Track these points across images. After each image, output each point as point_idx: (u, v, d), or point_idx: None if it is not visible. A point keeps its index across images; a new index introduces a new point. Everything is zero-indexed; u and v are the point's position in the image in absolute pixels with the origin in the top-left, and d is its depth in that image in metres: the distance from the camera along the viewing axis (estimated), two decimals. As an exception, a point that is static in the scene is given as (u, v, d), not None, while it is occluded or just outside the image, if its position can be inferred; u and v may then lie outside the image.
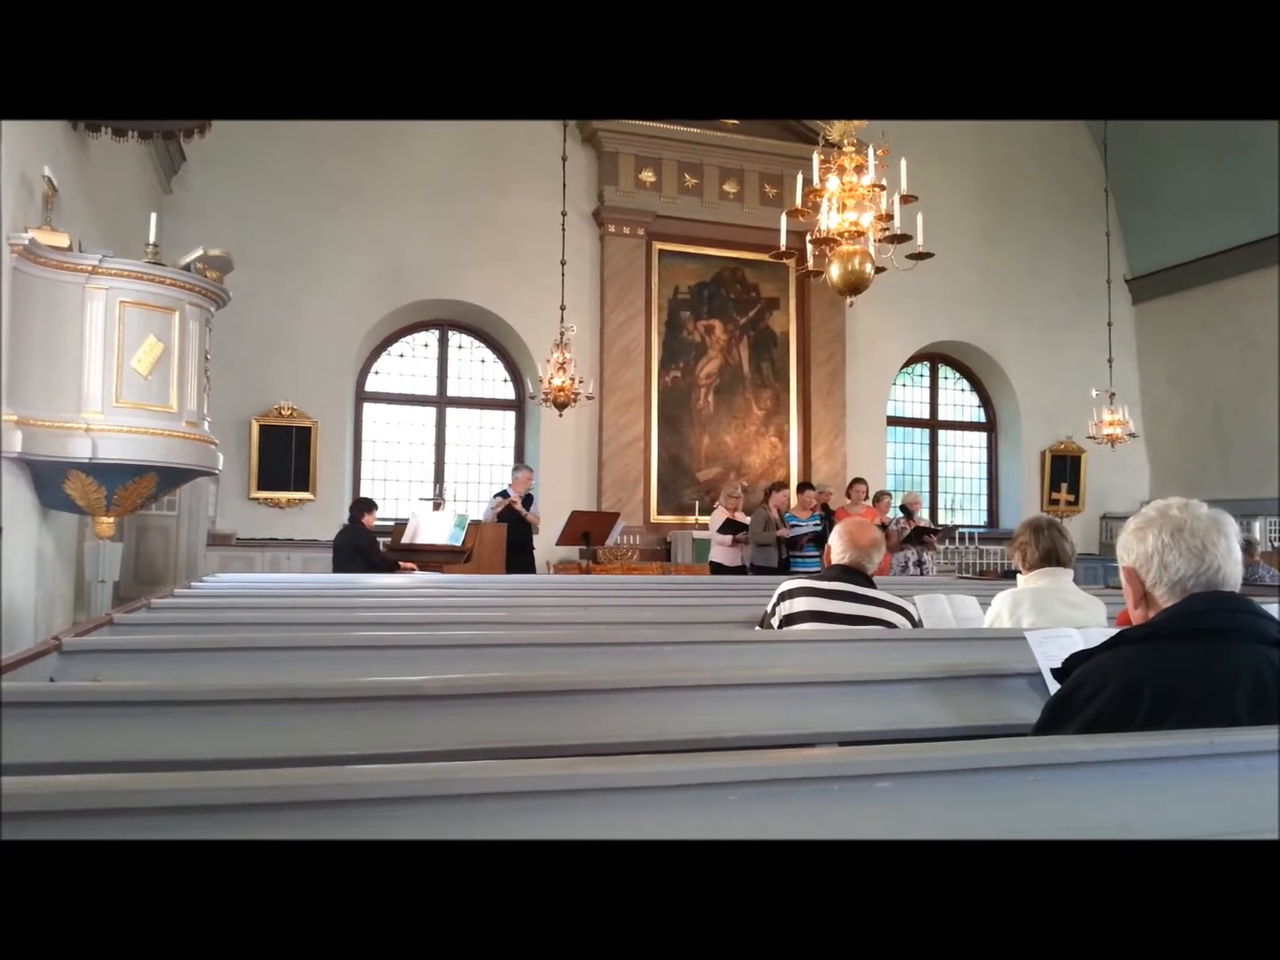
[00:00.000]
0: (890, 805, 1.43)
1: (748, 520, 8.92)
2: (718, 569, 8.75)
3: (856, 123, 6.35)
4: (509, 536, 8.26)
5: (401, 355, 11.29)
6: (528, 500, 8.76)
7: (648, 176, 11.20)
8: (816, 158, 6.29)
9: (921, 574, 9.03)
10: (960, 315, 12.54)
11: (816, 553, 8.17)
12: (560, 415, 9.60)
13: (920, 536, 9.09)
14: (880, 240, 6.33)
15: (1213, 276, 12.02)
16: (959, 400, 13.36)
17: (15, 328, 4.80)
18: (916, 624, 3.41)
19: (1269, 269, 11.22)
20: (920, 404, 13.14)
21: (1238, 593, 1.76)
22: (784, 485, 9.19)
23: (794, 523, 8.62)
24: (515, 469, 9.18)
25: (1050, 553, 3.39)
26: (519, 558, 8.43)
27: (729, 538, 8.76)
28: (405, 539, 8.35)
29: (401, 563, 7.78)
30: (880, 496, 9.61)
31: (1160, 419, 12.84)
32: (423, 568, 7.63)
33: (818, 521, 8.62)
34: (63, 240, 4.94)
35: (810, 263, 6.72)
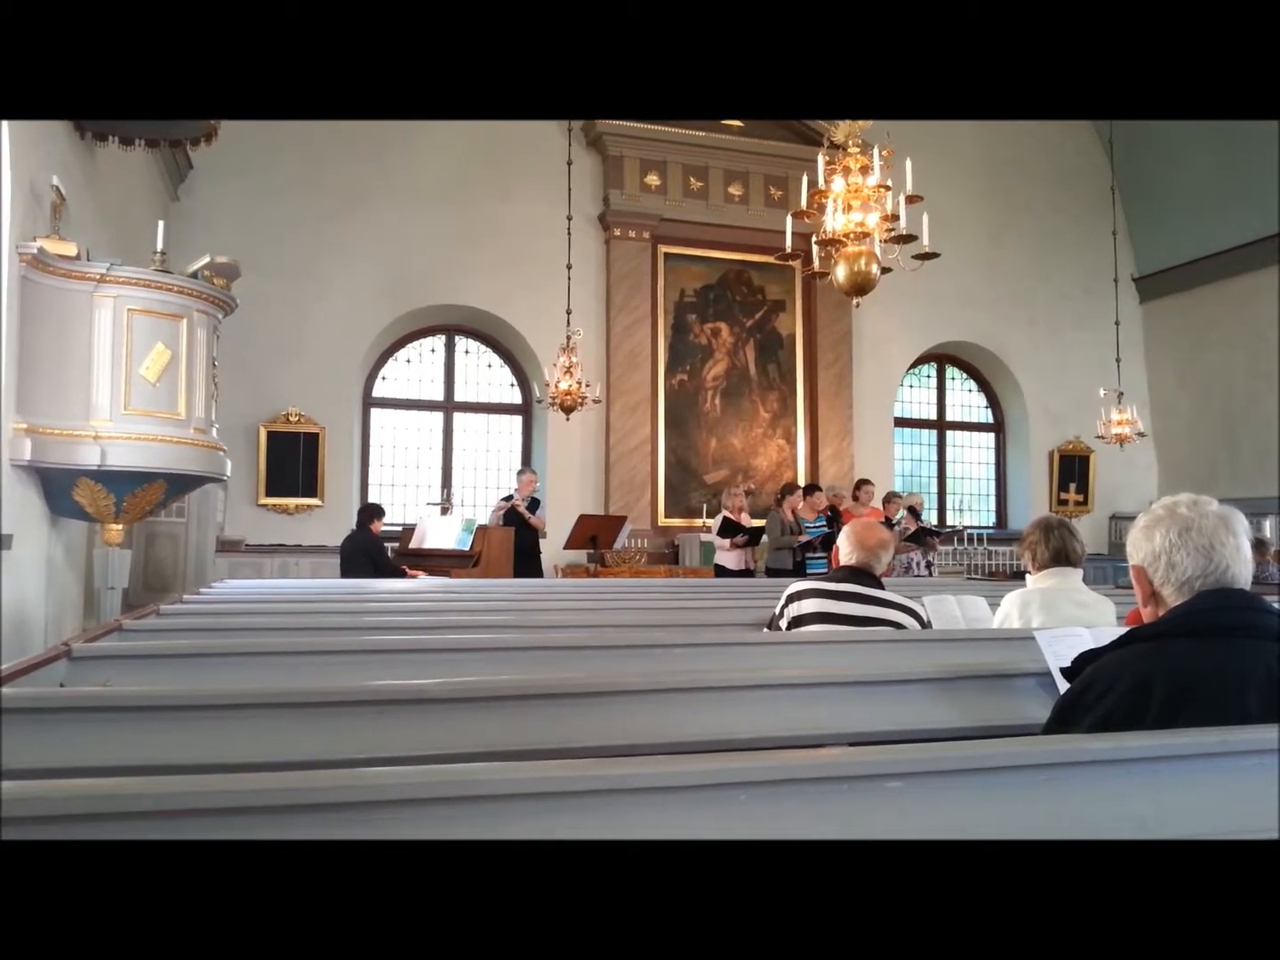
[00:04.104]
0: (901, 805, 1.42)
1: (751, 522, 8.90)
2: (722, 572, 8.72)
3: (861, 124, 6.34)
4: (516, 542, 8.27)
5: (408, 361, 11.31)
6: (534, 504, 8.76)
7: (653, 180, 11.20)
8: (821, 159, 6.28)
9: (931, 575, 9.01)
10: (967, 315, 12.52)
11: (824, 554, 8.15)
12: (567, 419, 9.60)
13: (923, 537, 9.06)
14: (886, 241, 6.32)
15: (1220, 274, 11.97)
16: (966, 401, 13.33)
17: (24, 336, 4.82)
18: (925, 625, 3.41)
19: (1276, 266, 11.17)
20: (927, 405, 13.12)
21: (1248, 590, 1.75)
22: (796, 487, 9.15)
23: (803, 524, 8.60)
24: (520, 472, 9.21)
25: (1060, 552, 3.38)
26: (527, 563, 8.43)
27: (727, 541, 8.73)
28: (413, 544, 8.37)
29: (407, 569, 7.79)
30: (890, 498, 9.58)
31: (1169, 418, 12.80)
32: (431, 572, 7.65)
33: (824, 523, 8.59)
34: (71, 249, 4.96)
35: (816, 264, 6.71)
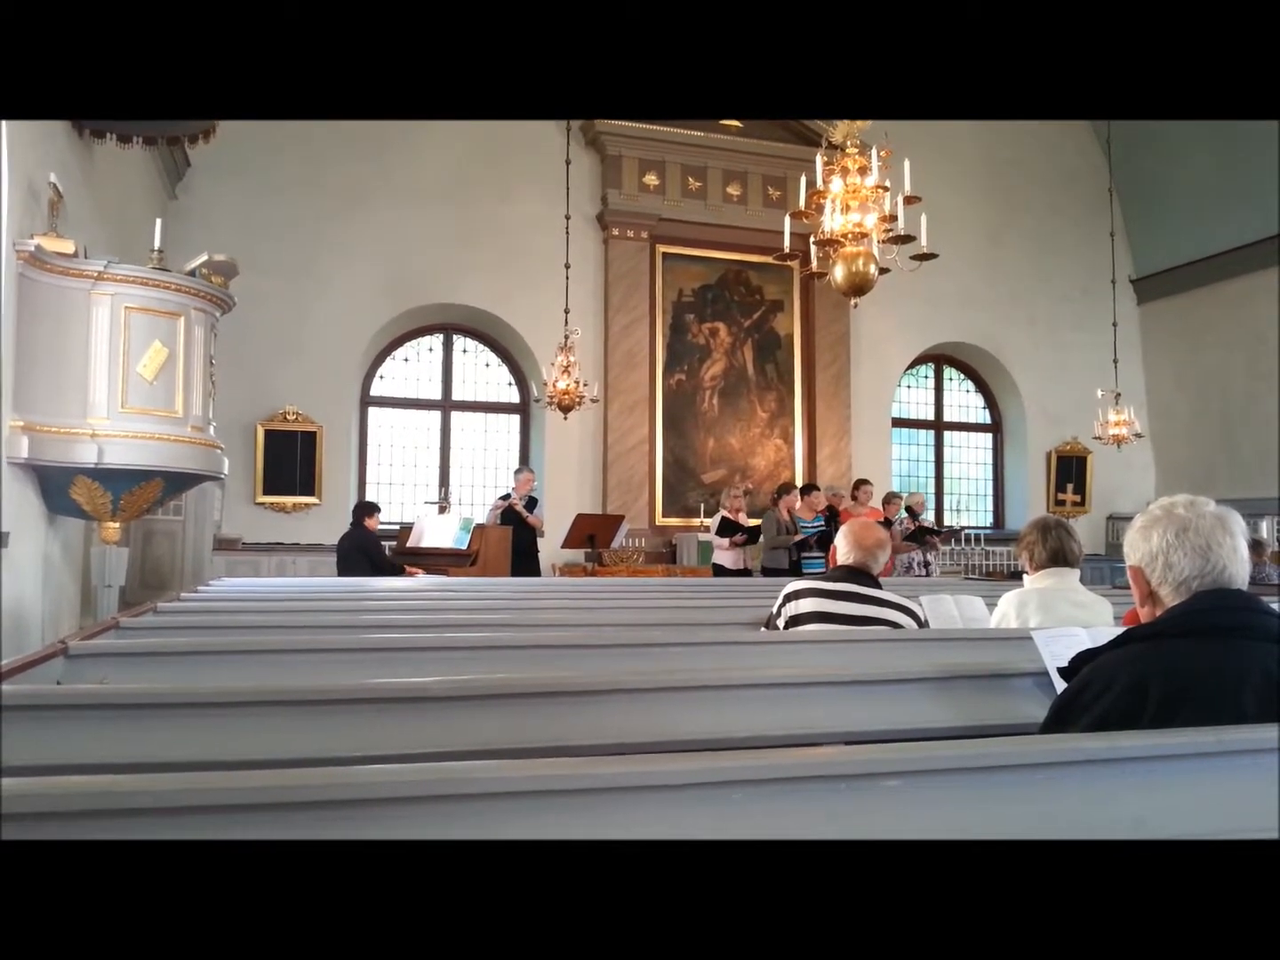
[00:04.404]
0: (897, 804, 1.42)
1: (748, 522, 8.90)
2: (720, 571, 8.73)
3: (860, 124, 6.34)
4: (514, 541, 8.27)
5: (406, 360, 11.31)
6: (531, 503, 8.76)
7: (651, 179, 11.20)
8: (820, 159, 6.28)
9: (927, 574, 9.01)
10: (965, 316, 12.52)
11: (822, 553, 8.15)
12: (565, 418, 9.60)
13: (923, 536, 9.07)
14: (884, 241, 6.32)
15: (1218, 276, 11.99)
16: (964, 401, 13.34)
17: (21, 333, 4.81)
18: (922, 624, 3.41)
19: (1274, 268, 11.19)
20: (925, 405, 13.13)
21: (1245, 590, 1.76)
22: (793, 487, 9.15)
23: (799, 524, 8.60)
24: (517, 471, 9.21)
25: (1057, 553, 3.38)
26: (525, 562, 8.43)
27: (725, 540, 8.73)
28: (411, 542, 8.37)
29: (406, 567, 7.79)
30: (891, 498, 9.58)
31: (1166, 419, 12.81)
32: (428, 571, 7.64)
33: (822, 523, 8.60)
34: (68, 246, 4.96)
35: (814, 264, 6.72)
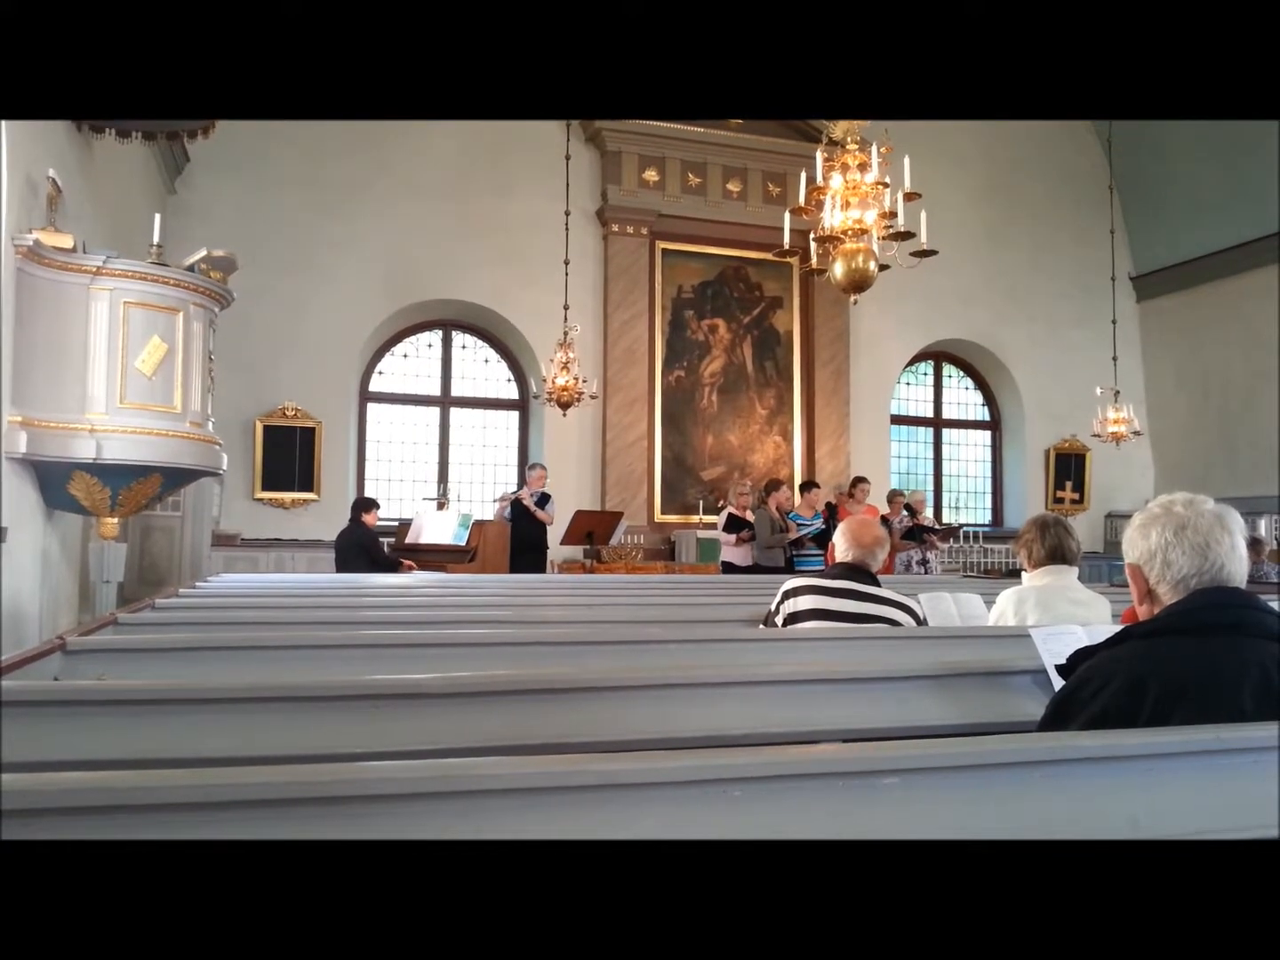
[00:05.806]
0: (895, 801, 1.43)
1: (753, 518, 8.90)
2: (729, 568, 8.72)
3: (860, 120, 6.34)
4: (524, 535, 8.27)
5: (405, 355, 11.30)
6: (544, 499, 8.75)
7: (651, 175, 11.19)
8: (820, 156, 6.28)
9: (926, 573, 9.02)
10: (964, 313, 12.52)
11: (819, 551, 8.15)
12: (564, 415, 9.60)
13: (921, 534, 9.07)
14: (884, 238, 6.33)
15: (1218, 274, 11.98)
16: (963, 399, 13.34)
17: (20, 328, 4.81)
18: (921, 622, 3.41)
19: (1274, 266, 11.19)
20: (924, 402, 13.13)
21: (1243, 588, 1.76)
22: (781, 483, 9.14)
23: (798, 521, 8.61)
24: (530, 467, 9.20)
25: (1055, 550, 3.39)
26: (533, 557, 8.43)
27: (733, 537, 8.73)
28: (409, 539, 8.37)
29: (403, 561, 7.80)
30: (894, 497, 9.57)
31: (1165, 417, 12.81)
32: (427, 567, 7.64)
33: (821, 520, 8.60)
34: (67, 241, 4.95)
35: (814, 261, 6.72)
